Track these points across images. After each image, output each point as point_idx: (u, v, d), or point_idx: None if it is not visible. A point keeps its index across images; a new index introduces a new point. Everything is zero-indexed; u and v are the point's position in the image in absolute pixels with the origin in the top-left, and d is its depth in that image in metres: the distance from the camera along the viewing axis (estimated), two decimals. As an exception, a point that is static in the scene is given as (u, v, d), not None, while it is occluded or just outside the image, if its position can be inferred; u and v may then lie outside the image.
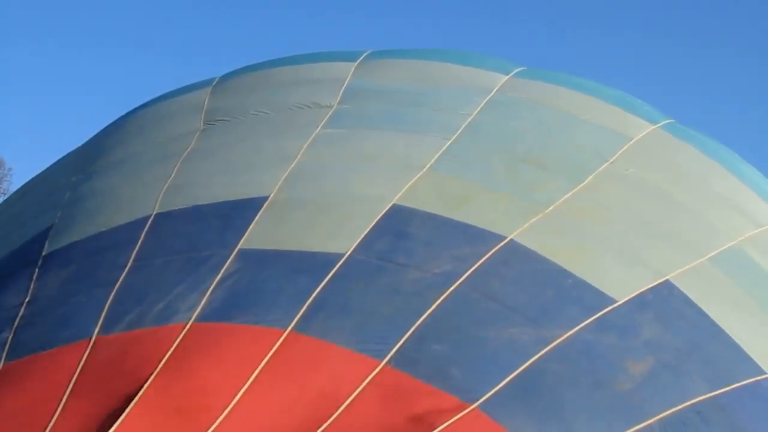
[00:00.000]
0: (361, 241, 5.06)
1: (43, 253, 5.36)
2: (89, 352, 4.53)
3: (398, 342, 4.54)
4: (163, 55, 51.18)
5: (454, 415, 4.27)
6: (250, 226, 5.17)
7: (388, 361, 4.47)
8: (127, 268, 5.01)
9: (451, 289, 4.85)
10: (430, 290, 4.84)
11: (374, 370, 4.41)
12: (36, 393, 4.41)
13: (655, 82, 44.01)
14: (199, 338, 4.54)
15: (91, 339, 4.61)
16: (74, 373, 4.44)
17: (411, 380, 4.42)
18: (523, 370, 4.53)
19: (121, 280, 4.93)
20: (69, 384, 4.39)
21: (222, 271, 4.88)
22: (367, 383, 4.36)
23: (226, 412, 4.22)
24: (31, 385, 4.47)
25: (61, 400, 4.33)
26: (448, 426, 4.24)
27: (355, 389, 4.32)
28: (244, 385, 4.32)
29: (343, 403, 4.26)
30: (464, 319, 4.76)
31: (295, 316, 4.61)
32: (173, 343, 4.49)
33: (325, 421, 4.19)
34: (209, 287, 4.79)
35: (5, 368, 4.59)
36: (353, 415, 4.24)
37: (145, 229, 5.28)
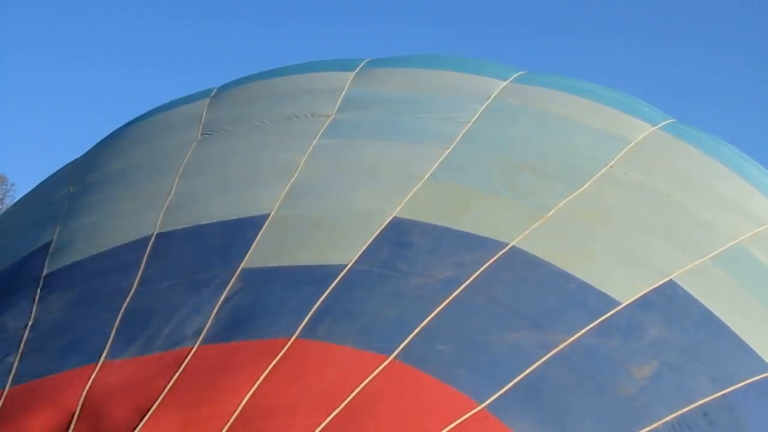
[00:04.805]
0: (362, 252, 5.06)
1: (44, 273, 5.33)
2: (96, 377, 4.51)
3: (405, 339, 4.56)
4: (165, 66, 51.40)
5: (463, 414, 4.27)
6: (252, 246, 5.15)
7: (396, 356, 4.48)
8: (131, 293, 4.99)
9: (455, 294, 4.84)
10: (434, 295, 4.84)
11: (382, 363, 4.43)
12: (43, 418, 4.38)
13: (657, 84, 44.05)
14: (207, 359, 4.54)
15: (98, 364, 4.59)
16: (81, 398, 4.42)
17: (420, 374, 4.43)
18: (528, 374, 4.52)
19: (125, 304, 4.91)
20: (77, 408, 4.37)
21: (225, 292, 4.87)
22: (377, 375, 4.38)
23: (235, 415, 4.22)
24: (39, 410, 4.43)
25: (70, 425, 4.31)
26: (458, 425, 4.23)
27: (363, 381, 4.33)
28: (250, 390, 4.32)
29: (351, 393, 4.28)
30: (468, 323, 4.76)
31: (301, 324, 4.62)
32: (180, 367, 4.48)
33: (334, 412, 4.22)
34: (214, 309, 4.78)
35: (11, 393, 4.56)
36: (363, 405, 4.25)
37: (147, 249, 5.25)
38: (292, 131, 6.16)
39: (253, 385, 4.35)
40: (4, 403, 4.50)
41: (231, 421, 4.22)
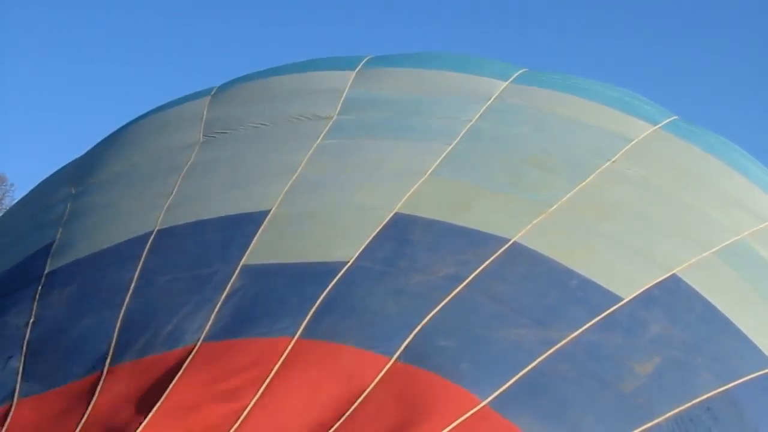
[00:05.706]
0: (364, 249, 5.05)
1: (45, 271, 5.32)
2: (102, 386, 4.51)
3: (407, 338, 4.55)
4: (165, 66, 51.47)
5: (466, 410, 4.27)
6: (253, 242, 5.15)
7: (398, 357, 4.48)
8: (132, 288, 4.99)
9: (456, 291, 4.84)
10: (435, 292, 4.83)
11: (385, 366, 4.42)
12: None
13: (657, 84, 44.11)
14: (209, 357, 4.53)
15: (103, 372, 4.58)
16: (86, 411, 4.42)
17: (423, 373, 4.43)
18: (530, 370, 4.51)
19: (127, 301, 4.91)
20: (83, 416, 4.39)
21: (227, 289, 4.87)
22: (381, 379, 4.37)
23: (240, 419, 4.22)
24: (47, 426, 4.44)
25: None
26: (460, 423, 4.23)
27: (368, 385, 4.33)
28: (256, 394, 4.32)
29: (358, 399, 4.27)
30: (470, 320, 4.75)
31: (303, 322, 4.62)
32: (183, 366, 4.48)
33: (342, 419, 4.21)
34: (215, 306, 4.78)
35: (19, 405, 4.55)
36: (369, 410, 4.24)
37: (147, 245, 5.25)
38: (295, 133, 6.14)
39: (257, 384, 4.35)
40: (13, 415, 4.50)
41: (237, 421, 4.22)
